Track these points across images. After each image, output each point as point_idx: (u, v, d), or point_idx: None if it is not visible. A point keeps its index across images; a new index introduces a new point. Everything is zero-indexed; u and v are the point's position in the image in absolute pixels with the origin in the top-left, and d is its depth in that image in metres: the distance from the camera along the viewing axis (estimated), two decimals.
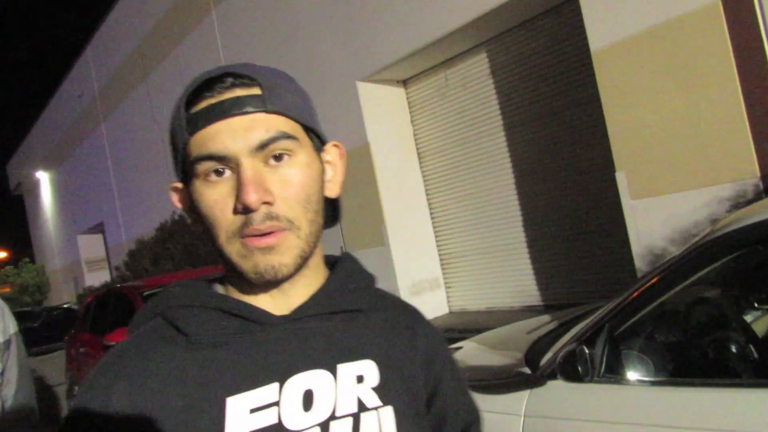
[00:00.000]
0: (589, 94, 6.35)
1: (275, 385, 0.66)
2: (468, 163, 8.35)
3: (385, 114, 8.80)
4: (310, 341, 0.70)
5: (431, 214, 9.07)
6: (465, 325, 7.77)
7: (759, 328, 2.12)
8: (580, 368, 1.85)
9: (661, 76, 5.24)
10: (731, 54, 4.82)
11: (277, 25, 10.08)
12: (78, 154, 20.30)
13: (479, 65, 7.99)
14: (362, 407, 0.69)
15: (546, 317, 3.15)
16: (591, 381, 1.94)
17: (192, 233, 11.55)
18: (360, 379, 0.71)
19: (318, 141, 0.75)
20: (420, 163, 9.08)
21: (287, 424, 0.65)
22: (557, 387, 2.03)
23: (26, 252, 30.40)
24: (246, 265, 0.67)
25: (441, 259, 9.05)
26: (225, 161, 0.65)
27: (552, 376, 2.05)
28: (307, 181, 0.69)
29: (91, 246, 21.40)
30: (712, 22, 4.89)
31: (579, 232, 7.16)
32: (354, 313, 0.75)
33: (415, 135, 9.08)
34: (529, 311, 7.53)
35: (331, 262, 0.81)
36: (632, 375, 1.94)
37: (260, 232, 0.65)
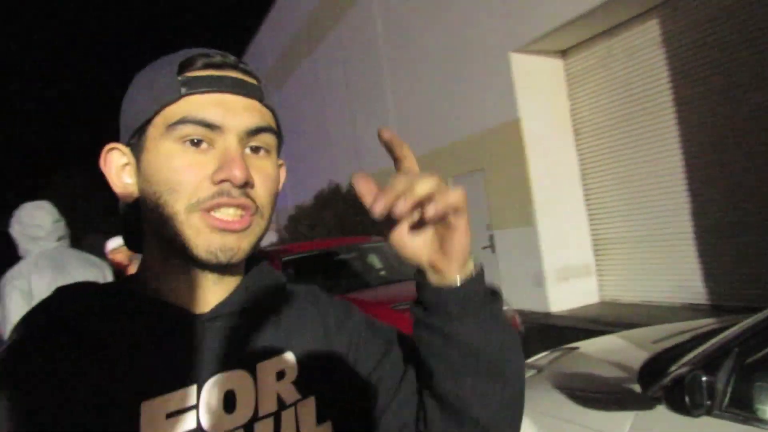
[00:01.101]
0: None
1: (193, 388, 0.62)
2: (631, 142, 7.60)
3: (539, 87, 8.29)
4: (228, 341, 0.67)
5: (586, 196, 8.45)
6: (615, 317, 7.20)
7: None
8: (688, 398, 1.53)
9: None
10: None
11: None
12: None
13: (648, 33, 7.15)
14: (282, 405, 0.67)
15: (684, 324, 2.73)
16: (710, 414, 1.61)
17: (346, 201, 11.93)
18: (280, 375, 0.69)
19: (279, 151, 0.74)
20: (576, 141, 8.46)
21: (207, 428, 0.61)
22: (667, 414, 1.71)
23: None
24: (198, 241, 0.62)
25: (594, 245, 8.42)
26: (213, 131, 0.63)
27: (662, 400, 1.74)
28: (276, 180, 0.70)
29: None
30: None
31: (756, 226, 6.20)
32: (269, 309, 0.73)
33: (572, 110, 8.46)
34: (690, 309, 6.77)
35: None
36: (767, 414, 1.57)
37: (233, 203, 0.62)
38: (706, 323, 2.63)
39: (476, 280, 0.64)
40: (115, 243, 4.45)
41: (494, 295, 0.67)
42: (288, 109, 18.23)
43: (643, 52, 7.25)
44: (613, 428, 1.85)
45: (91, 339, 0.61)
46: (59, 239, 2.73)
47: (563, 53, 8.42)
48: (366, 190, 0.58)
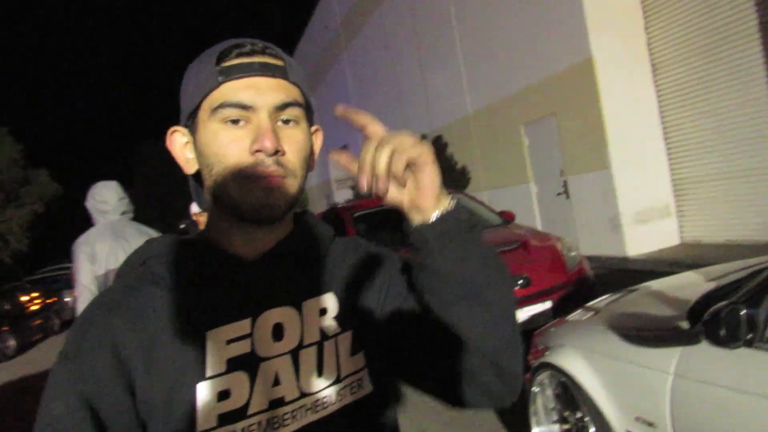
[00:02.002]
0: None
1: (248, 321, 0.76)
2: (713, 74, 7.18)
3: (613, 23, 7.92)
4: (277, 282, 0.80)
5: (665, 133, 8.09)
6: (697, 259, 6.98)
7: None
8: (724, 331, 1.57)
9: None
10: None
11: None
12: (326, 82, 22.21)
13: None
14: (324, 336, 0.80)
15: (754, 260, 2.68)
16: (751, 346, 1.65)
17: None
18: (323, 311, 0.82)
19: (310, 119, 0.84)
20: (654, 76, 8.07)
21: (258, 352, 0.76)
22: (711, 348, 1.76)
23: None
24: (244, 199, 0.75)
25: (674, 185, 8.11)
26: (248, 110, 0.75)
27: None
28: (306, 145, 0.80)
29: (338, 165, 23.57)
30: None
31: None
32: (314, 255, 0.86)
33: (649, 44, 8.04)
34: None
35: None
36: None
37: (267, 173, 0.74)
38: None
39: (452, 213, 0.75)
40: (197, 207, 4.86)
41: (473, 227, 0.77)
42: (359, 65, 18.25)
43: None
44: (660, 364, 1.92)
45: (168, 280, 0.78)
46: (123, 213, 3.21)
47: None
48: (347, 161, 0.75)
